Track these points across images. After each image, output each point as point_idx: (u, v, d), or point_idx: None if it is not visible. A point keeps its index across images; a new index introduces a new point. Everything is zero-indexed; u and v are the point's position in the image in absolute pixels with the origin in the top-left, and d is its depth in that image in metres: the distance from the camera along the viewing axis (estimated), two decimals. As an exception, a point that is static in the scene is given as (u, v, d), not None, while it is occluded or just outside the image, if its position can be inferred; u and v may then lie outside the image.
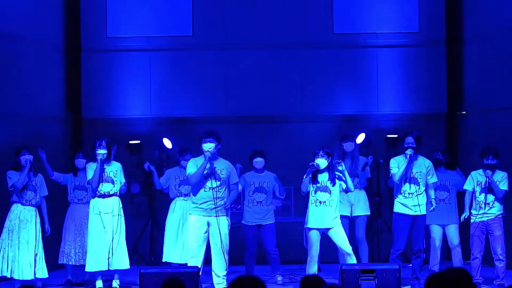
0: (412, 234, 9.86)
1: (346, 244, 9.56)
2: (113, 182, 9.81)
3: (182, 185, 10.83)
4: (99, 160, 9.67)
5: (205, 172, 9.41)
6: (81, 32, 12.85)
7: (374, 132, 12.42)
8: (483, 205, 9.88)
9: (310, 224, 9.60)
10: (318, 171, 9.58)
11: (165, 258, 10.87)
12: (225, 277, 9.50)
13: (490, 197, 9.87)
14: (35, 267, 9.84)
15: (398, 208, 9.87)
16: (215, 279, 9.53)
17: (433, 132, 12.43)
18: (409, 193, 9.79)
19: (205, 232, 9.48)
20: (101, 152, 9.70)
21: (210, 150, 9.39)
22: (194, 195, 9.56)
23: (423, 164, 9.87)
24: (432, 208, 9.93)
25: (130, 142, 12.49)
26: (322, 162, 9.57)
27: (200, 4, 12.85)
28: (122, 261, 9.76)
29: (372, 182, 11.86)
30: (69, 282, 10.34)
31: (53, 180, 10.45)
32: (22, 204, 9.96)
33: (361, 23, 12.80)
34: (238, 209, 11.82)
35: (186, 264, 9.80)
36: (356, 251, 10.35)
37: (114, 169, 9.87)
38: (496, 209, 9.90)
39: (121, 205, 9.85)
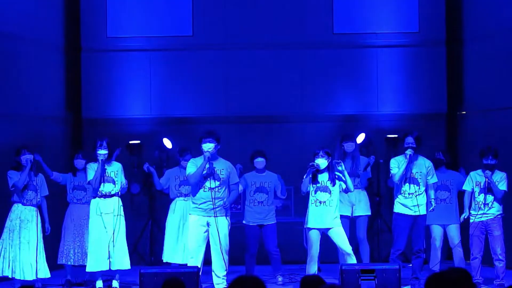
0: (412, 234, 9.87)
1: (346, 244, 9.56)
2: (114, 182, 9.81)
3: (182, 185, 10.83)
4: (100, 161, 9.67)
5: (204, 172, 9.41)
6: (81, 32, 12.85)
7: (374, 132, 12.42)
8: (482, 206, 9.89)
9: (310, 224, 9.60)
10: (318, 171, 9.58)
11: (165, 259, 10.87)
12: (225, 277, 9.50)
13: (490, 198, 9.88)
14: (36, 267, 9.85)
15: (398, 208, 9.87)
16: (215, 279, 9.53)
17: (433, 132, 12.43)
18: (409, 193, 9.79)
19: (205, 232, 9.48)
20: (102, 152, 9.70)
21: (209, 150, 9.39)
22: (194, 195, 9.56)
23: (423, 164, 9.87)
24: (431, 208, 9.93)
25: (130, 142, 12.48)
26: (322, 162, 9.57)
27: (200, 4, 12.84)
28: (122, 261, 9.77)
29: (372, 182, 11.87)
30: (69, 282, 10.34)
31: (53, 179, 10.45)
32: (23, 204, 9.96)
33: (361, 23, 12.80)
34: (238, 209, 11.82)
35: (186, 264, 9.80)
36: (356, 251, 10.35)
37: (115, 169, 9.87)
38: (495, 209, 9.91)
39: (121, 205, 9.86)
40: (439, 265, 10.45)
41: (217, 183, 9.46)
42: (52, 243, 10.37)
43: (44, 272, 9.97)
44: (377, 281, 8.70)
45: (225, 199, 9.54)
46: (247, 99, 12.73)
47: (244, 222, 10.52)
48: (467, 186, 10.01)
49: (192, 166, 9.48)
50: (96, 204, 9.76)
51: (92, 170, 9.75)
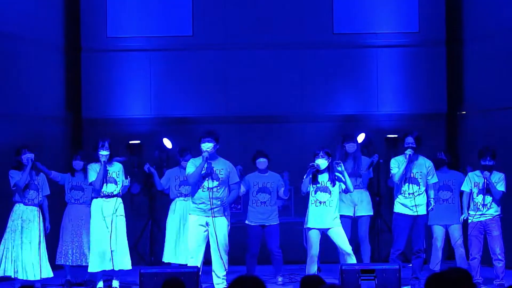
0: (412, 234, 9.87)
1: (346, 244, 9.56)
2: (116, 183, 9.82)
3: (182, 185, 10.83)
4: (102, 162, 9.67)
5: (203, 172, 9.41)
6: (81, 32, 12.85)
7: (374, 132, 12.42)
8: (481, 207, 9.89)
9: (310, 224, 9.60)
10: (319, 171, 9.59)
11: (166, 259, 10.86)
12: (225, 277, 9.50)
13: (488, 198, 9.88)
14: (40, 267, 9.86)
15: (398, 208, 9.88)
16: (215, 279, 9.53)
17: (433, 132, 12.43)
18: (409, 193, 9.80)
19: (205, 232, 9.47)
20: (104, 153, 9.71)
21: (208, 150, 9.38)
22: (193, 195, 9.57)
23: (423, 164, 9.87)
24: (430, 207, 9.94)
25: (130, 142, 12.49)
26: (322, 162, 9.57)
27: (200, 4, 12.85)
28: (124, 261, 9.78)
29: (372, 182, 11.87)
30: (69, 282, 10.34)
31: (51, 179, 10.45)
32: (25, 204, 9.96)
33: (361, 23, 12.80)
34: (238, 209, 11.82)
35: (186, 264, 9.80)
36: (356, 251, 10.35)
37: (116, 170, 9.88)
38: (493, 210, 9.91)
39: (122, 206, 9.86)
40: (440, 265, 10.45)
41: (216, 183, 9.45)
42: (51, 243, 10.37)
43: (47, 272, 9.98)
44: (377, 281, 8.70)
45: (225, 199, 9.53)
46: (247, 99, 12.73)
47: (246, 222, 10.51)
48: (465, 187, 10.02)
49: (192, 166, 9.48)
50: (98, 204, 9.75)
51: (93, 171, 9.75)
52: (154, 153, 12.42)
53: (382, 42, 12.79)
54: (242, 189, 10.37)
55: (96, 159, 9.77)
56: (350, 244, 9.72)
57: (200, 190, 9.45)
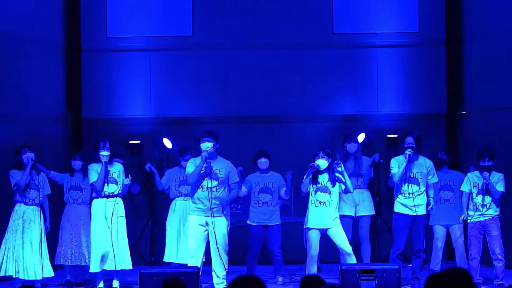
0: (412, 234, 9.87)
1: (346, 244, 9.56)
2: (116, 183, 9.83)
3: (182, 185, 10.83)
4: (103, 162, 9.68)
5: (202, 171, 9.40)
6: (81, 32, 12.85)
7: (374, 132, 12.42)
8: (480, 207, 9.90)
9: (309, 224, 9.61)
10: (319, 171, 9.59)
11: (167, 259, 10.86)
12: (225, 277, 9.50)
13: (487, 199, 9.88)
14: (42, 266, 9.86)
15: (398, 208, 9.88)
16: (215, 279, 9.53)
17: (433, 132, 12.43)
18: (409, 193, 9.79)
19: (204, 232, 9.47)
20: (105, 153, 9.71)
21: (207, 149, 9.38)
22: (192, 195, 9.57)
23: (423, 164, 9.88)
24: (430, 207, 9.95)
25: (130, 142, 12.48)
26: (322, 163, 9.57)
27: (200, 4, 12.84)
28: (125, 261, 9.78)
29: (372, 182, 11.87)
30: (69, 282, 10.34)
31: (50, 178, 10.45)
32: (25, 203, 9.96)
33: (361, 23, 12.80)
34: (238, 209, 11.81)
35: (186, 264, 9.80)
36: (356, 251, 10.35)
37: (117, 170, 9.89)
38: (492, 210, 9.92)
39: (123, 206, 9.87)
40: (440, 265, 10.46)
41: (215, 182, 9.44)
42: (51, 243, 10.36)
43: (48, 271, 9.99)
44: (377, 281, 8.70)
45: (225, 198, 9.51)
46: (247, 99, 12.72)
47: (248, 222, 10.51)
48: (464, 187, 10.03)
49: (191, 166, 9.48)
50: (98, 204, 9.75)
51: (94, 172, 9.75)
52: (154, 153, 12.42)
53: (382, 42, 12.79)
54: (244, 189, 10.37)
55: (96, 159, 9.77)
56: (351, 244, 9.72)
57: (199, 190, 9.45)
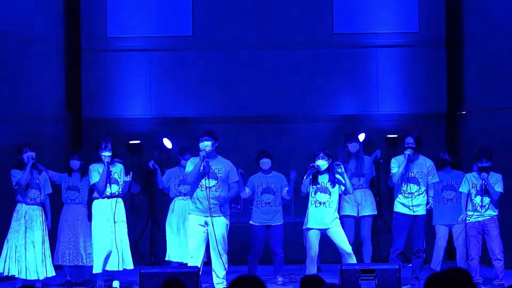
0: (412, 234, 9.87)
1: (346, 244, 9.56)
2: (118, 183, 9.83)
3: (181, 184, 10.83)
4: (105, 163, 9.68)
5: (200, 171, 9.39)
6: (81, 32, 12.85)
7: (374, 132, 12.41)
8: (479, 208, 9.89)
9: (309, 225, 9.61)
10: (319, 172, 9.59)
11: (170, 258, 10.85)
12: (225, 277, 9.49)
13: (486, 199, 9.88)
14: (46, 266, 9.87)
15: (398, 208, 9.88)
16: (215, 279, 9.52)
17: (433, 132, 12.43)
18: (409, 193, 9.80)
19: (204, 232, 9.47)
20: (107, 154, 9.72)
21: (206, 148, 9.37)
22: (192, 194, 9.57)
23: (424, 164, 9.88)
24: (429, 206, 9.95)
25: (130, 142, 12.48)
26: (322, 163, 9.57)
27: (200, 4, 12.84)
28: (127, 261, 9.79)
29: (372, 182, 11.87)
30: (69, 282, 10.34)
31: (49, 178, 10.44)
32: (27, 203, 9.95)
33: (361, 23, 12.80)
34: (238, 209, 11.81)
35: (187, 264, 9.80)
36: (357, 251, 10.35)
37: (118, 170, 9.90)
38: (491, 211, 9.92)
39: (124, 210, 9.87)
40: (441, 265, 10.46)
41: (214, 182, 9.43)
42: (51, 243, 10.35)
43: (51, 271, 9.99)
44: (377, 281, 8.70)
45: (225, 198, 9.50)
46: (247, 99, 12.72)
47: (251, 222, 10.51)
48: (463, 188, 10.03)
49: (190, 165, 9.48)
50: (100, 205, 9.74)
51: (96, 172, 9.74)
52: (154, 153, 12.42)
53: (382, 42, 12.79)
54: (247, 191, 10.38)
55: (97, 159, 9.77)
56: (354, 244, 9.72)
57: (198, 189, 9.44)
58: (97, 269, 9.70)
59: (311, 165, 9.54)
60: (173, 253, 10.83)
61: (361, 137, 11.93)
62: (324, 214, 9.56)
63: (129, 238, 9.98)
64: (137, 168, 12.31)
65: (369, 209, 10.78)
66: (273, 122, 12.73)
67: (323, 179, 9.60)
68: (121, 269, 9.71)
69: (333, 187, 9.58)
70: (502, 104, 11.77)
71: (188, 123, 12.57)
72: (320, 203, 9.57)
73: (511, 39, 11.67)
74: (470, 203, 9.96)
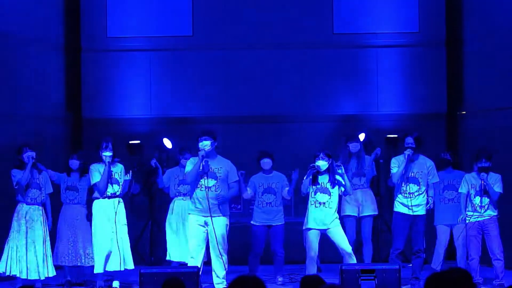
0: (412, 234, 9.87)
1: (346, 244, 9.56)
2: (118, 183, 9.83)
3: (181, 184, 10.83)
4: (107, 163, 9.68)
5: (199, 170, 9.38)
6: (81, 32, 12.85)
7: (374, 132, 12.41)
8: (478, 208, 9.89)
9: (309, 225, 9.60)
10: (319, 172, 9.59)
11: (171, 257, 10.85)
12: (225, 277, 9.49)
13: (485, 200, 9.88)
14: (47, 266, 9.87)
15: (398, 207, 9.88)
16: (215, 279, 9.52)
17: (433, 132, 12.43)
18: (409, 193, 9.80)
19: (204, 232, 9.46)
20: (108, 154, 9.71)
21: (205, 148, 9.37)
22: (191, 194, 9.56)
23: (424, 164, 9.88)
24: (428, 205, 9.95)
25: (130, 142, 12.47)
26: (322, 164, 9.57)
27: (200, 4, 12.84)
28: (128, 261, 9.79)
29: (372, 182, 11.87)
30: (69, 282, 10.34)
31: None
32: (27, 203, 9.95)
33: (361, 23, 12.80)
34: (238, 209, 11.80)
35: (187, 264, 9.80)
36: (357, 251, 10.35)
37: (118, 171, 9.90)
38: (490, 211, 9.92)
39: (124, 212, 9.87)
40: (442, 264, 10.46)
41: (214, 181, 9.43)
42: (51, 243, 10.35)
43: (52, 271, 9.99)
44: (377, 281, 8.70)
45: (222, 197, 9.48)
46: (247, 99, 12.72)
47: (252, 222, 10.51)
48: (462, 189, 10.03)
49: (190, 165, 9.48)
50: (100, 205, 9.74)
51: (97, 172, 9.74)
52: (155, 153, 12.42)
53: (382, 42, 12.79)
54: (249, 191, 10.38)
55: (97, 159, 9.78)
56: (354, 244, 9.72)
57: (197, 189, 9.44)
58: (98, 269, 9.70)
59: (311, 165, 9.55)
60: (174, 253, 10.83)
61: (361, 137, 11.94)
62: (324, 215, 9.55)
63: (129, 238, 9.98)
64: (137, 168, 12.30)
65: (370, 209, 10.78)
66: (273, 122, 12.73)
67: (323, 179, 9.60)
68: (122, 269, 9.71)
69: (333, 187, 9.58)
70: (502, 104, 11.77)
71: (188, 123, 12.56)
72: (320, 203, 9.57)
73: (511, 39, 11.67)
74: (469, 204, 9.96)
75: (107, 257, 9.66)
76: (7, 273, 9.88)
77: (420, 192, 9.81)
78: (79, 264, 10.24)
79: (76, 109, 12.80)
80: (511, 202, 10.46)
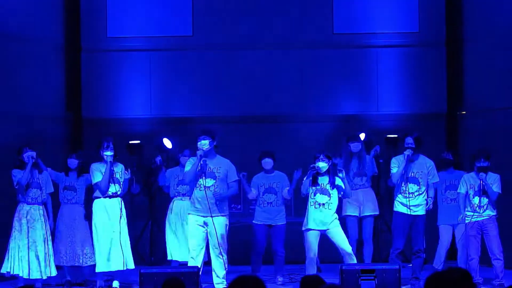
0: (412, 234, 9.87)
1: (346, 244, 9.56)
2: (119, 183, 9.83)
3: (180, 184, 10.82)
4: (108, 162, 9.68)
5: (198, 170, 9.37)
6: (81, 32, 12.85)
7: (374, 132, 12.41)
8: (477, 208, 9.89)
9: (309, 226, 9.61)
10: (319, 173, 9.59)
11: (172, 257, 10.85)
12: (225, 277, 9.49)
13: (484, 200, 9.88)
14: (49, 265, 9.87)
15: (398, 207, 9.88)
16: (215, 279, 9.52)
17: (433, 132, 12.42)
18: (409, 193, 9.80)
19: (204, 232, 9.46)
20: (109, 153, 9.71)
21: (203, 147, 9.36)
22: (190, 194, 9.56)
23: (424, 164, 9.88)
24: (428, 205, 9.95)
25: (130, 142, 12.47)
26: (322, 165, 9.58)
27: (200, 4, 12.84)
28: (129, 261, 9.79)
29: (373, 180, 11.87)
30: (69, 282, 10.33)
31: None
32: (28, 203, 9.95)
33: (361, 23, 12.80)
34: (238, 209, 11.80)
35: (187, 264, 9.79)
36: (357, 251, 10.34)
37: (119, 170, 9.90)
38: (489, 211, 9.92)
39: (124, 206, 9.88)
40: (443, 264, 10.47)
41: (212, 181, 9.41)
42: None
43: (53, 270, 10.00)
44: (377, 281, 8.70)
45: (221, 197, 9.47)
46: (247, 99, 12.72)
47: (253, 221, 10.52)
48: (461, 189, 10.02)
49: (189, 165, 9.47)
50: (101, 204, 9.74)
51: (98, 172, 9.74)
52: (155, 154, 12.41)
53: (382, 42, 12.79)
54: (254, 191, 10.38)
55: (98, 159, 9.78)
56: (355, 244, 9.72)
57: (196, 189, 9.43)
58: (99, 268, 9.69)
59: (311, 166, 9.55)
60: (174, 253, 10.83)
61: (361, 137, 11.93)
62: (324, 215, 9.56)
63: (129, 238, 9.97)
64: (136, 168, 12.30)
65: (371, 209, 10.78)
66: (273, 122, 12.73)
67: (323, 180, 9.61)
68: (125, 268, 9.72)
69: (333, 189, 9.58)
70: (502, 104, 11.77)
71: (188, 123, 12.56)
72: (319, 204, 9.57)
73: (511, 39, 11.67)
74: (468, 204, 9.96)
75: (110, 256, 9.65)
76: (11, 273, 9.89)
77: (420, 192, 9.81)
78: (77, 264, 10.23)
79: (76, 109, 12.80)
80: (511, 202, 10.46)
